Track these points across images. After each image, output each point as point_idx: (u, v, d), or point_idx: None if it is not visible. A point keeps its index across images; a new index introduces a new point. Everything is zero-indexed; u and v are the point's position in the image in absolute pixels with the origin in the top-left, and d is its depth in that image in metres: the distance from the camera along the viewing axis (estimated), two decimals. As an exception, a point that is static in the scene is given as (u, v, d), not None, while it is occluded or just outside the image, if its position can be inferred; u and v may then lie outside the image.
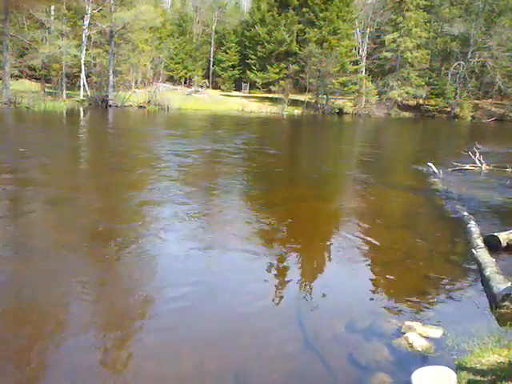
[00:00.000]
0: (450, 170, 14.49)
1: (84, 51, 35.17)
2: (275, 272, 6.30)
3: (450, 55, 50.10)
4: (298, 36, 46.96)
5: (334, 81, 43.37)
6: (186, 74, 55.78)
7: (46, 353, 4.24)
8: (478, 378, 3.82)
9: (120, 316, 4.90)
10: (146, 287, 5.57)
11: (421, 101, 50.48)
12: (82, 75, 35.64)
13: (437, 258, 7.02)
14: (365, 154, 19.21)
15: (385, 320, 4.94)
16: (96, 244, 6.84)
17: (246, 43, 51.18)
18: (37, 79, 38.26)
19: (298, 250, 7.09)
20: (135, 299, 5.19)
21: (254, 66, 49.06)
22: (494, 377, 3.78)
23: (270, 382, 3.97)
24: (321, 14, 45.59)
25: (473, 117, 49.04)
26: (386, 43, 47.20)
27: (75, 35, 35.64)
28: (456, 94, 48.67)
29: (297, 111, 43.71)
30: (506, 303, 5.18)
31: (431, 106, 49.18)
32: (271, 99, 46.12)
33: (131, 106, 36.60)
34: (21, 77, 37.89)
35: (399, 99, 47.70)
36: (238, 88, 55.24)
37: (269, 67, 47.51)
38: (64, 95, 35.14)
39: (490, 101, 53.65)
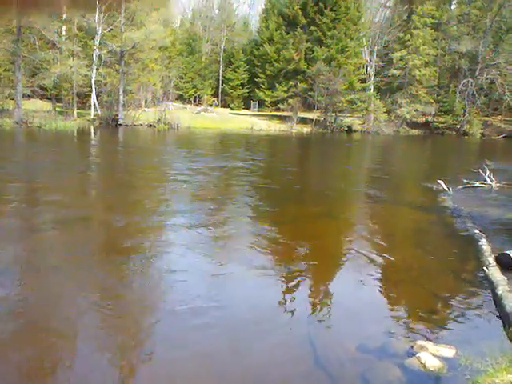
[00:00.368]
0: (460, 187, 14.45)
1: (94, 71, 35.64)
2: (287, 289, 6.30)
3: (458, 72, 50.11)
4: (306, 54, 47.37)
5: (342, 99, 43.54)
6: (195, 92, 56.28)
7: (57, 374, 4.27)
8: (492, 398, 3.79)
9: (133, 337, 4.93)
10: (160, 305, 5.60)
11: (430, 118, 50.38)
12: (93, 94, 36.10)
13: (448, 277, 6.99)
14: (375, 171, 19.23)
15: (397, 339, 4.92)
16: (109, 262, 6.90)
17: (255, 62, 51.70)
18: (48, 99, 38.81)
19: (309, 267, 7.10)
20: (149, 319, 5.23)
21: (263, 84, 49.50)
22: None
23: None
24: (329, 33, 46.03)
25: (482, 134, 48.78)
26: (394, 61, 47.36)
27: (86, 55, 36.14)
28: (465, 111, 48.51)
29: (306, 129, 43.83)
30: (519, 322, 5.14)
31: (440, 123, 49.00)
32: (280, 117, 46.34)
33: (141, 124, 36.94)
34: (32, 96, 38.42)
35: (408, 117, 47.63)
36: (247, 106, 55.62)
37: (277, 85, 47.91)
38: (75, 114, 35.56)
39: (499, 117, 53.39)
